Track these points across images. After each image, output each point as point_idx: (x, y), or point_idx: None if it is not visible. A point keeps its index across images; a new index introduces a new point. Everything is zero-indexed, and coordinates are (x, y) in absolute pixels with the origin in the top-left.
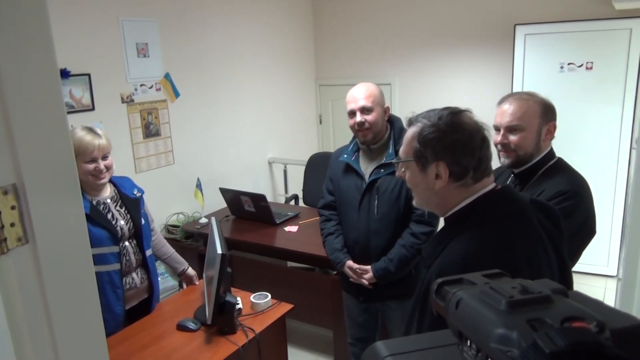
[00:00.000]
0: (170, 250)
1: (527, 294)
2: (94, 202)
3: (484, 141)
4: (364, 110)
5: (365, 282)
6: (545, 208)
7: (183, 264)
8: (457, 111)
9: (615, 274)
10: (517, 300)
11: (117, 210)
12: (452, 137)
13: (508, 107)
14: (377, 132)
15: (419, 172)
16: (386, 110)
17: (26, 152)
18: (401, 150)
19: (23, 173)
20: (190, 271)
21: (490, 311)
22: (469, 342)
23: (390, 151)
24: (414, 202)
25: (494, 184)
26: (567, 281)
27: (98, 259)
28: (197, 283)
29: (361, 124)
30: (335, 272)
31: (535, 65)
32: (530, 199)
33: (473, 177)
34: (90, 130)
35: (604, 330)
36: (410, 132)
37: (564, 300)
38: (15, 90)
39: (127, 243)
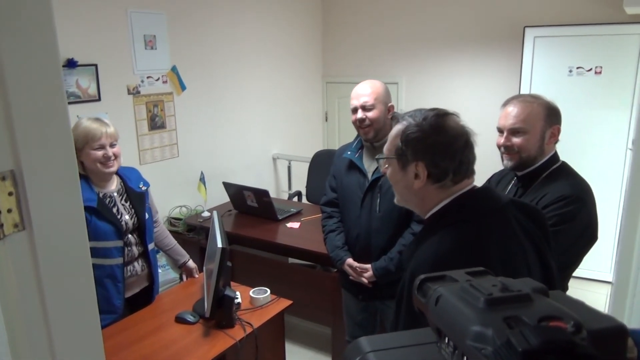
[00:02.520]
0: (172, 242)
1: (507, 292)
2: (101, 195)
3: (467, 145)
4: (365, 107)
5: (365, 280)
6: (527, 209)
7: (184, 256)
8: (443, 113)
9: None
10: (495, 297)
11: (122, 205)
12: (434, 139)
13: (512, 110)
14: (379, 130)
15: (399, 170)
16: (390, 108)
17: (25, 139)
18: (385, 146)
19: (22, 159)
20: (191, 264)
21: (468, 308)
22: (447, 339)
23: None
24: (395, 200)
25: (473, 185)
26: (550, 281)
27: (102, 253)
28: (196, 276)
29: (362, 120)
30: (335, 270)
31: (543, 68)
32: (511, 199)
33: (452, 179)
34: (97, 119)
35: (580, 330)
36: (395, 129)
37: (543, 300)
38: (16, 76)
39: (129, 236)
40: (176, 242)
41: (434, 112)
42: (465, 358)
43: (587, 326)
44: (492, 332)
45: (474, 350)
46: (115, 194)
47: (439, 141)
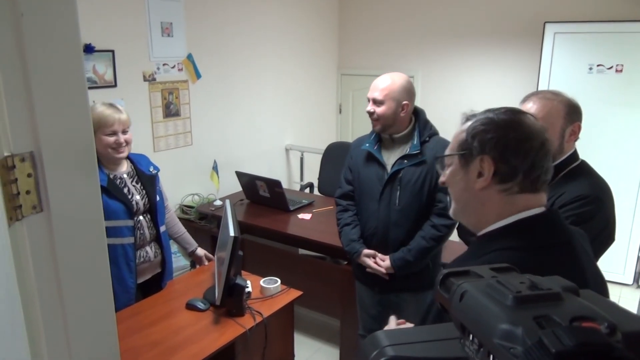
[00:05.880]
0: (181, 229)
1: (536, 289)
2: (111, 176)
3: (543, 147)
4: (375, 101)
5: (383, 270)
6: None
7: (193, 245)
8: (518, 111)
9: (631, 283)
10: (524, 295)
11: (133, 186)
12: (506, 132)
13: (531, 106)
14: (387, 126)
15: (460, 168)
16: (404, 106)
17: (45, 122)
18: (448, 147)
19: (41, 142)
20: (200, 251)
21: (495, 305)
22: (471, 336)
23: (415, 142)
24: (451, 212)
25: (543, 208)
26: None
27: (113, 232)
28: (206, 263)
29: (370, 113)
30: (346, 262)
31: (563, 65)
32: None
33: (521, 183)
34: (111, 105)
35: (615, 332)
36: (462, 127)
37: (574, 299)
38: (38, 59)
39: (141, 217)
40: (185, 230)
41: (507, 108)
42: (491, 357)
43: (621, 328)
44: (522, 331)
45: (502, 349)
46: (125, 176)
47: (512, 136)
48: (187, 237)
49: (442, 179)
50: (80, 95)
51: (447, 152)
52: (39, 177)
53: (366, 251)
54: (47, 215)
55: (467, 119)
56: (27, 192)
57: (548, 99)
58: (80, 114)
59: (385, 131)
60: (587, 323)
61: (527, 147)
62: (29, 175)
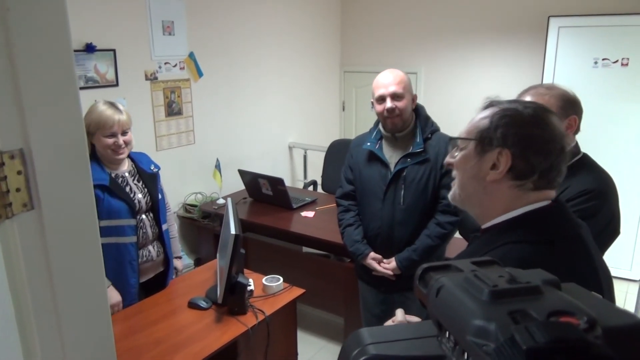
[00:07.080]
0: (174, 233)
1: (514, 283)
2: (113, 175)
3: (562, 151)
4: (395, 96)
5: (390, 272)
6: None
7: (176, 252)
8: (546, 109)
9: (638, 279)
10: (501, 289)
11: (135, 184)
12: (531, 130)
13: None
14: (405, 120)
15: (474, 156)
16: (414, 98)
17: (35, 119)
18: (464, 129)
19: (31, 139)
20: (178, 264)
21: (470, 300)
22: (447, 333)
23: (418, 140)
24: (450, 195)
25: (549, 200)
26: None
27: (116, 231)
28: (175, 276)
29: (391, 110)
30: (349, 260)
31: (567, 60)
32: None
33: (535, 182)
34: (112, 105)
35: (594, 327)
36: (484, 112)
37: (554, 293)
38: (27, 56)
39: (143, 216)
40: (177, 236)
41: (536, 105)
42: (466, 355)
43: (602, 323)
44: (495, 327)
45: (474, 347)
46: (127, 174)
47: (538, 134)
48: (175, 242)
49: (449, 159)
50: (70, 91)
51: (464, 134)
52: (29, 174)
53: (373, 254)
54: (39, 213)
55: (492, 104)
56: (17, 190)
57: (540, 94)
58: (71, 110)
59: (402, 127)
60: (565, 318)
61: (549, 149)
62: (19, 173)
